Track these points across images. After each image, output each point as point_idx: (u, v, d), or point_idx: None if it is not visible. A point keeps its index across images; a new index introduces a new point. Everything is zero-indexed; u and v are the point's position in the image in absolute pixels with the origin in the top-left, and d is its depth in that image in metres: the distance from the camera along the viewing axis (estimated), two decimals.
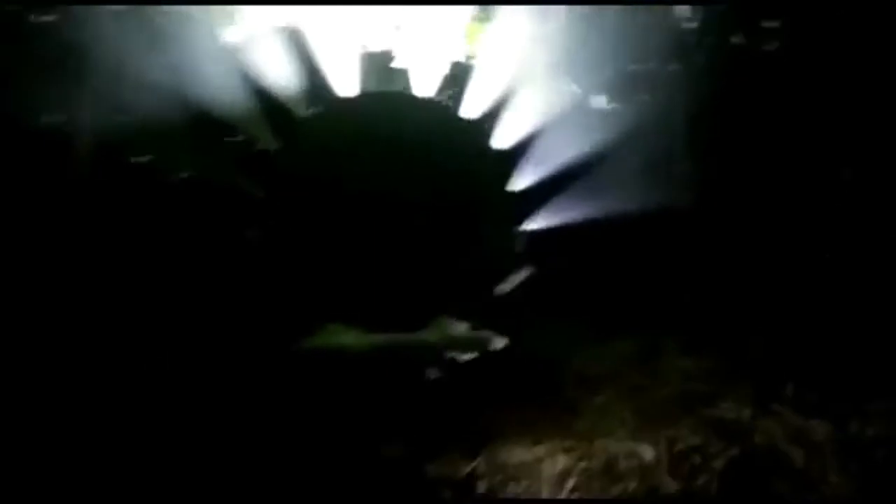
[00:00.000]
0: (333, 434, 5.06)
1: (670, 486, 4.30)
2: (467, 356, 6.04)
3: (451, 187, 7.09)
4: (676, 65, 7.19)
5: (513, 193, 7.24)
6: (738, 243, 6.72)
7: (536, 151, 7.24)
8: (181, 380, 5.78)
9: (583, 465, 4.61)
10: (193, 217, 7.24)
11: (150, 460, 4.88)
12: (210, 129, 7.41)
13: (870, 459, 4.31)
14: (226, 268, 6.93)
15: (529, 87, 7.28)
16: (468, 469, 4.73)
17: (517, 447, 4.89)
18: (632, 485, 4.35)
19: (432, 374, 5.79)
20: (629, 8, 7.17)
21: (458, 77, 7.46)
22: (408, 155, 7.12)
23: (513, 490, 4.42)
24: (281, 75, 7.27)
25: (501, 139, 7.30)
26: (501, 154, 7.29)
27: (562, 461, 4.67)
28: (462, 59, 7.47)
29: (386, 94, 7.49)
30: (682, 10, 7.17)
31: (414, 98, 7.42)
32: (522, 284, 6.92)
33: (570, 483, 4.42)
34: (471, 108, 7.33)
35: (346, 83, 7.32)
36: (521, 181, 7.24)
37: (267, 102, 7.31)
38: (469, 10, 7.37)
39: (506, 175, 7.23)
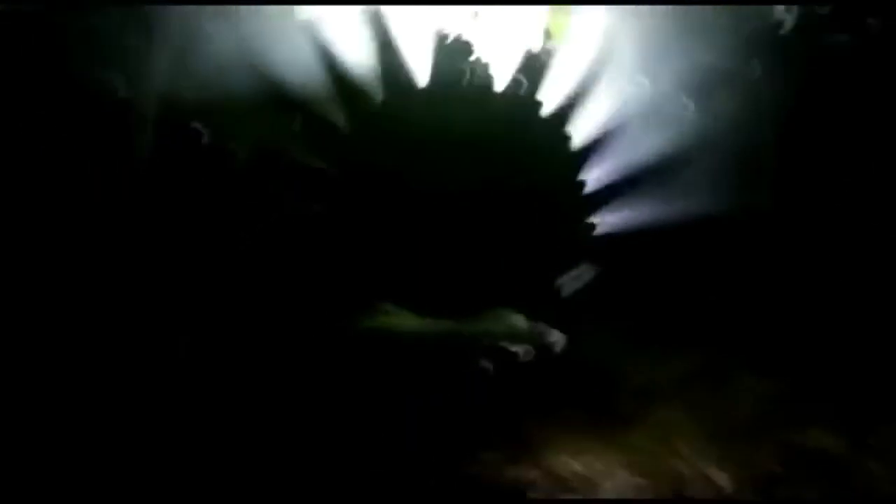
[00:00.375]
0: (379, 415, 4.57)
1: None
2: (523, 350, 5.40)
3: (521, 178, 6.52)
4: (759, 63, 6.21)
5: (584, 189, 6.59)
6: (821, 254, 5.71)
7: (612, 147, 6.50)
8: (235, 351, 5.33)
9: (646, 483, 3.83)
10: (259, 189, 6.75)
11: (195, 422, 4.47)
12: (285, 104, 6.98)
13: None
14: (289, 241, 6.42)
15: (609, 82, 6.55)
16: (518, 474, 3.98)
17: (568, 457, 4.14)
18: None
19: (485, 363, 5.20)
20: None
21: (536, 69, 6.75)
22: (480, 144, 6.57)
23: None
24: (359, 57, 6.74)
25: (577, 133, 6.61)
26: (576, 148, 6.62)
27: (623, 478, 3.90)
28: (541, 52, 6.76)
29: (463, 85, 6.86)
30: (768, 8, 6.21)
31: (490, 91, 6.80)
32: (586, 283, 6.17)
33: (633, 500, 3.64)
34: (548, 100, 6.68)
35: (422, 70, 6.72)
36: (594, 176, 6.54)
37: (344, 84, 6.77)
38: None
39: (579, 170, 6.58)
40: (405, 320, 5.43)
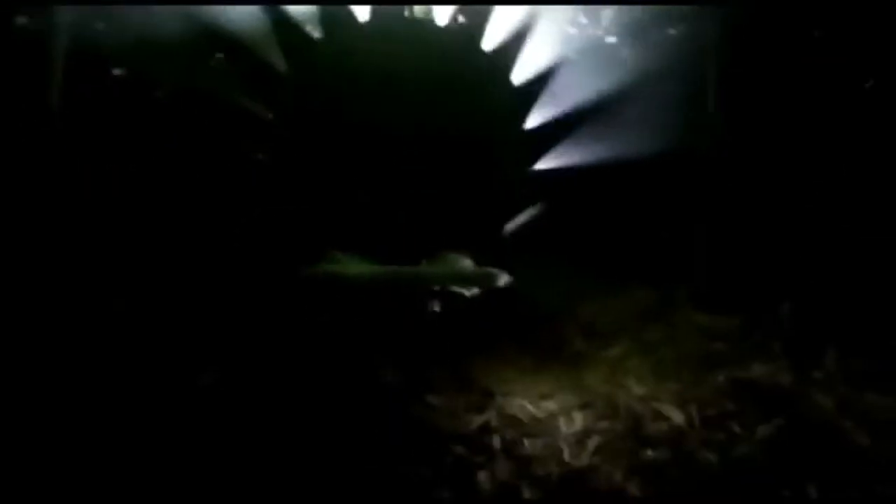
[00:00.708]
0: (332, 360, 4.29)
1: (707, 455, 3.27)
2: (470, 291, 5.06)
3: (465, 119, 6.06)
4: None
5: (527, 131, 6.20)
6: (764, 189, 5.50)
7: (555, 88, 6.10)
8: (186, 301, 4.98)
9: (604, 424, 3.59)
10: (195, 135, 6.06)
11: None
12: (217, 44, 6.23)
13: None
14: (231, 190, 5.96)
15: (551, 22, 6.09)
16: (473, 419, 3.67)
17: (525, 401, 3.87)
18: (663, 451, 3.32)
19: (433, 306, 4.89)
20: None
21: (478, 8, 6.24)
22: (423, 83, 6.09)
23: (530, 447, 3.38)
24: None
25: (520, 74, 6.16)
26: (519, 89, 6.19)
27: (579, 419, 3.68)
28: None
29: (403, 19, 6.36)
30: None
31: (432, 23, 6.27)
32: (531, 224, 5.84)
33: (593, 443, 3.40)
34: (489, 38, 6.18)
35: (360, 5, 6.09)
36: (537, 118, 6.15)
37: (278, 21, 6.14)
38: None
39: (523, 111, 6.17)
40: (353, 266, 5.04)
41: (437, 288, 5.05)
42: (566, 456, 3.36)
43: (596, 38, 6.42)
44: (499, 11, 6.13)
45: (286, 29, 6.17)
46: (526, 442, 3.44)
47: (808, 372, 3.83)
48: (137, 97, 5.90)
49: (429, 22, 6.21)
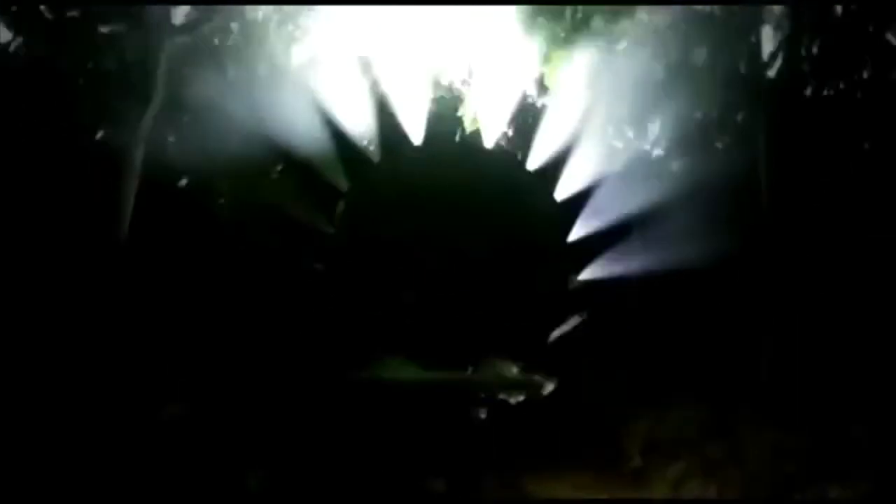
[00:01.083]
0: (382, 463, 4.07)
1: None
2: (517, 398, 4.97)
3: (511, 233, 6.13)
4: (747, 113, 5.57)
5: (571, 242, 6.04)
6: (825, 299, 4.91)
7: (601, 201, 5.96)
8: (243, 399, 4.81)
9: None
10: (259, 246, 6.08)
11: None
12: (285, 163, 6.37)
13: None
14: (292, 297, 5.92)
15: (596, 138, 5.99)
16: None
17: None
18: None
19: (481, 412, 4.75)
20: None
21: (527, 122, 6.36)
22: (471, 200, 6.23)
23: None
24: (355, 117, 6.23)
25: (565, 188, 6.11)
26: (564, 203, 6.11)
27: None
28: (532, 105, 6.31)
29: (454, 142, 6.41)
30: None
31: (480, 145, 6.31)
32: (576, 332, 5.56)
33: None
34: (537, 154, 6.20)
35: (416, 128, 6.24)
36: (582, 230, 6.03)
37: (340, 142, 6.30)
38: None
39: (567, 224, 6.06)
40: (403, 372, 5.01)
41: (483, 395, 4.84)
42: None
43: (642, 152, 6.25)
44: (545, 130, 6.19)
45: (347, 149, 6.37)
46: None
47: (890, 496, 3.20)
48: (203, 208, 5.97)
49: (478, 143, 6.26)
